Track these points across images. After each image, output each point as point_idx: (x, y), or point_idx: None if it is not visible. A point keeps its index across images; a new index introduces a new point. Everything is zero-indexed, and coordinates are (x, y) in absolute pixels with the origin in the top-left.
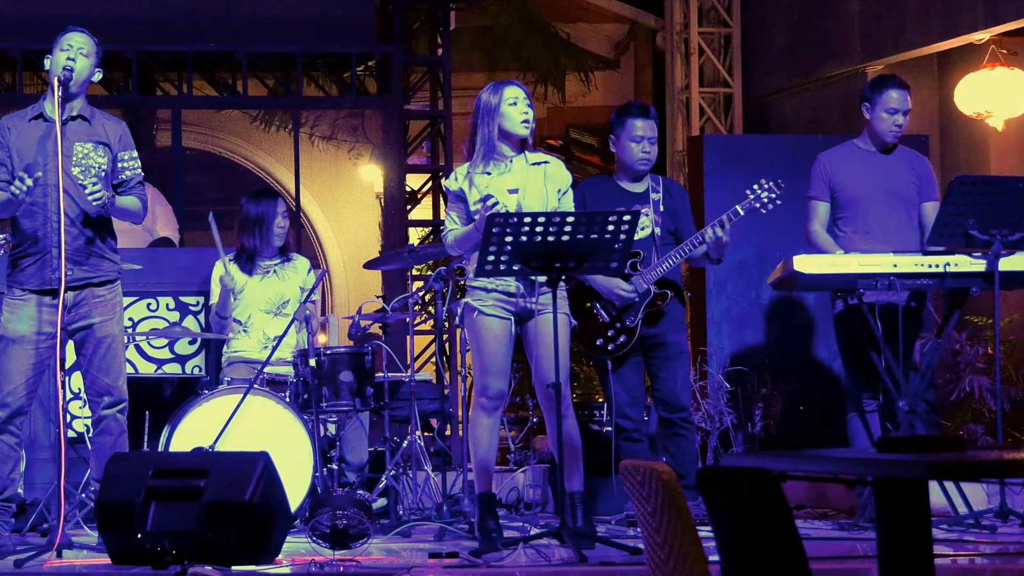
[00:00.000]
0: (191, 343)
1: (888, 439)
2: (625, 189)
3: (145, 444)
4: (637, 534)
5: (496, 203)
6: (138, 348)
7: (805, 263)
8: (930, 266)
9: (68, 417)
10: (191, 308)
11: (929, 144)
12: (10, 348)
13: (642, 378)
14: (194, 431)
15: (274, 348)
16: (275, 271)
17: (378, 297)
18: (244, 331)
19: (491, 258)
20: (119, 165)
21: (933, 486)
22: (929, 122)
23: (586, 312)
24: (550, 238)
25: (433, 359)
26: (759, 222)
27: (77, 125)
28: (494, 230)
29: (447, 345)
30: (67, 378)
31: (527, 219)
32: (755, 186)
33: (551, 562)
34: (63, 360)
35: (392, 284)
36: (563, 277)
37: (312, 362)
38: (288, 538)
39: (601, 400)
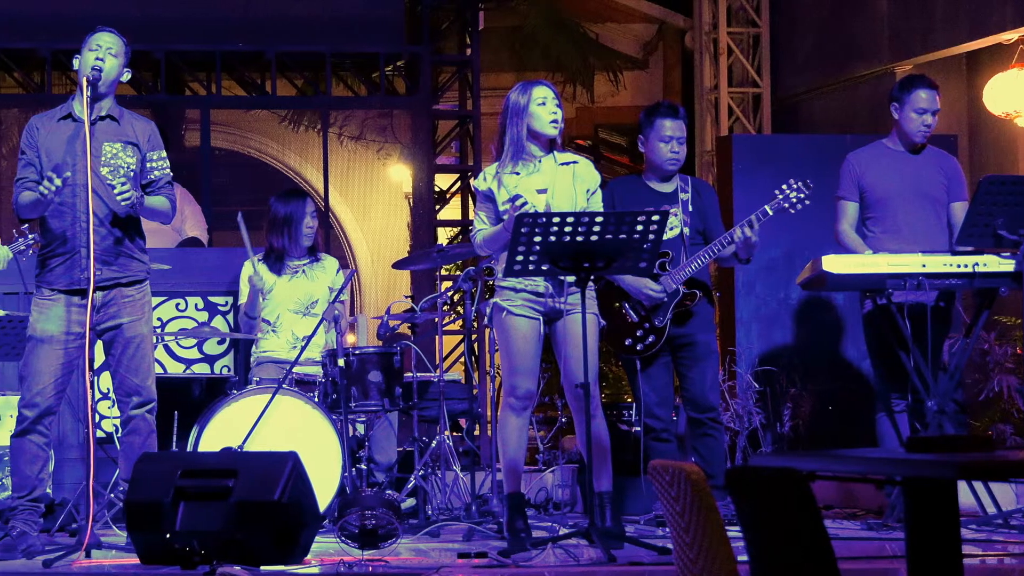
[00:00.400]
0: (220, 343)
1: (917, 439)
2: (654, 189)
3: (174, 444)
4: (666, 534)
5: (525, 203)
6: (167, 348)
7: (834, 263)
8: (959, 266)
9: (97, 417)
10: (220, 308)
11: (958, 144)
12: (39, 348)
13: (671, 378)
14: (223, 431)
15: (303, 348)
16: (304, 271)
17: (407, 297)
18: (273, 331)
19: (520, 258)
20: (148, 165)
21: (962, 486)
22: (958, 122)
23: (615, 312)
24: (579, 238)
25: (462, 359)
26: (788, 222)
27: (106, 125)
28: (523, 230)
29: (476, 345)
30: (96, 378)
31: (556, 219)
32: (784, 186)
33: (580, 562)
34: (92, 360)
35: (421, 284)
36: (592, 277)
37: (341, 362)
38: (317, 538)
39: (630, 400)
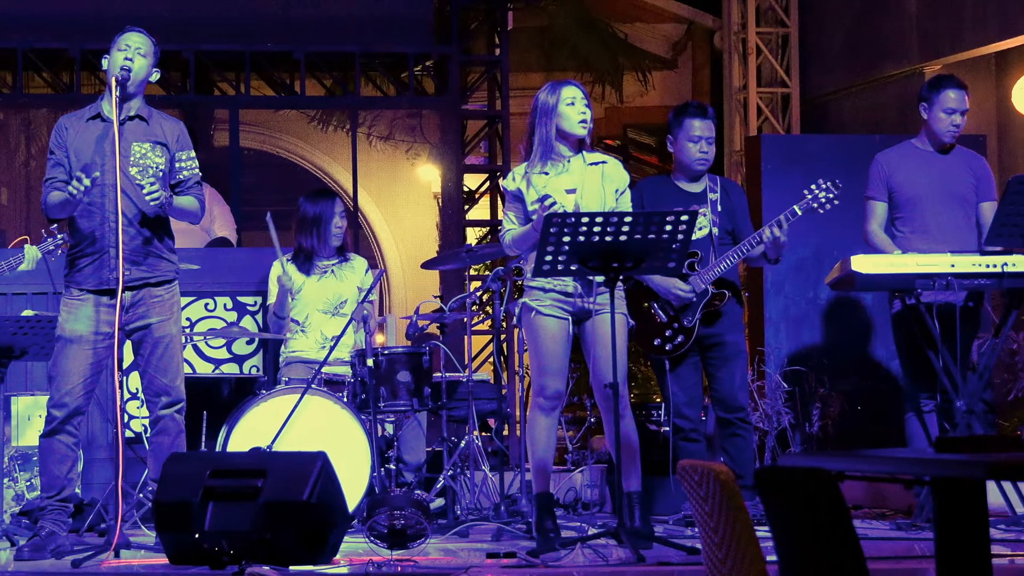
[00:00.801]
0: (249, 343)
1: (946, 439)
2: (683, 189)
3: (203, 444)
4: (695, 534)
5: (554, 203)
6: (196, 348)
7: (863, 263)
8: (988, 266)
9: (126, 417)
10: (249, 308)
11: (987, 144)
12: (68, 348)
13: (700, 378)
14: (252, 431)
15: (332, 348)
16: (333, 271)
17: (436, 297)
18: (302, 331)
19: (549, 258)
20: (177, 165)
21: (991, 486)
22: (987, 122)
23: (644, 312)
24: (608, 238)
25: (491, 359)
26: (817, 222)
27: (135, 125)
28: (552, 230)
29: (505, 345)
30: (125, 378)
31: (585, 219)
32: (813, 186)
33: (609, 562)
34: (121, 360)
35: (450, 284)
36: (621, 277)
37: (370, 362)
38: (346, 538)
39: (659, 400)
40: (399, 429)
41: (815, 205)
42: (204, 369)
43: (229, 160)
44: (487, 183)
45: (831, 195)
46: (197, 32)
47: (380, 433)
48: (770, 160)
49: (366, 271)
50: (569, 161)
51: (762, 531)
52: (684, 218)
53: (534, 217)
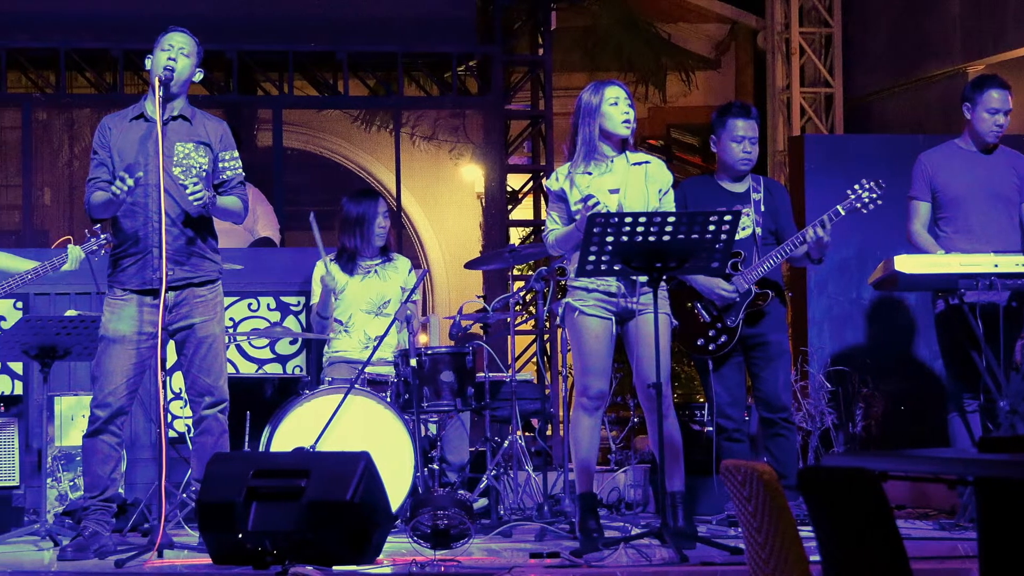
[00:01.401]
0: (292, 343)
1: (989, 439)
2: (726, 189)
3: (246, 444)
4: (738, 534)
5: (597, 203)
6: (239, 348)
7: (906, 263)
8: None
9: (169, 417)
10: (292, 308)
11: None
12: (111, 348)
13: (743, 378)
14: (295, 431)
15: (375, 348)
16: (376, 271)
17: (479, 297)
18: (345, 331)
19: (592, 258)
20: (220, 165)
21: None
22: None
23: (687, 312)
24: (651, 238)
25: (534, 359)
26: (860, 222)
27: (178, 125)
28: (595, 230)
29: (548, 345)
30: (168, 378)
31: (628, 219)
32: (856, 186)
33: (652, 562)
34: (164, 360)
35: (493, 284)
36: (664, 277)
37: (413, 362)
38: (389, 538)
39: (702, 400)
40: (442, 429)
41: (858, 205)
42: (247, 369)
43: (272, 160)
44: (530, 183)
45: (874, 195)
46: (240, 32)
47: (423, 433)
48: (813, 160)
49: (409, 271)
50: (612, 161)
51: (805, 531)
52: (727, 218)
53: (577, 217)
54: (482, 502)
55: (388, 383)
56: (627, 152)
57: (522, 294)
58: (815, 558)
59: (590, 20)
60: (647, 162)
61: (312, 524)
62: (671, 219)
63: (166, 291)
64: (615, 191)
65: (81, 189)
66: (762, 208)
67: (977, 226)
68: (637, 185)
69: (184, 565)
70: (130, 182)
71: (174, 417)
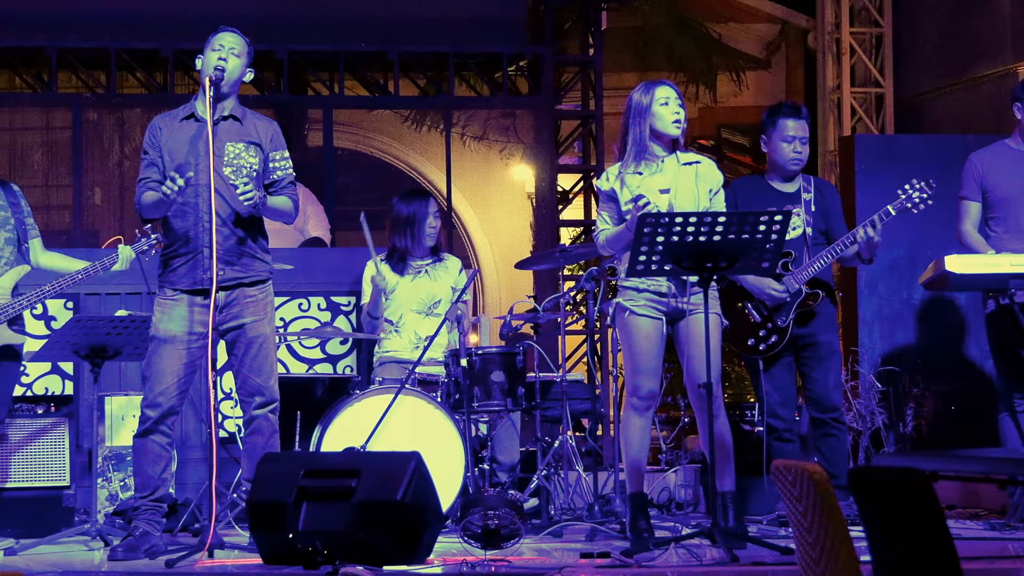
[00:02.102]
0: (342, 343)
1: None
2: (776, 189)
3: (296, 444)
4: (788, 534)
5: (648, 203)
6: (289, 348)
7: (956, 263)
8: None
9: (219, 417)
10: (342, 308)
11: None
12: (161, 348)
13: (793, 378)
14: (345, 431)
15: (425, 348)
16: (426, 271)
17: (529, 297)
18: (395, 331)
19: (643, 258)
20: (271, 165)
21: None
22: None
23: (738, 312)
24: (701, 238)
25: (584, 359)
26: (910, 222)
27: (228, 125)
28: (646, 230)
29: (598, 345)
30: (218, 378)
31: (679, 219)
32: (906, 186)
33: (702, 562)
34: (214, 360)
35: (543, 284)
36: (714, 277)
37: (463, 362)
38: (439, 538)
39: (753, 400)
40: (493, 429)
41: (909, 205)
42: (298, 369)
43: (323, 160)
44: (581, 183)
45: (925, 195)
46: (291, 32)
47: (474, 433)
48: (864, 160)
49: (460, 271)
50: (663, 161)
51: (856, 531)
52: (778, 218)
53: (628, 217)
54: (532, 502)
55: (439, 383)
56: (677, 152)
57: (573, 294)
58: (865, 558)
59: (641, 20)
60: (698, 162)
61: (362, 524)
62: (721, 219)
63: (217, 291)
64: (665, 191)
65: (131, 189)
66: (812, 208)
67: None
68: (687, 185)
69: (235, 565)
70: (180, 182)
71: (225, 417)
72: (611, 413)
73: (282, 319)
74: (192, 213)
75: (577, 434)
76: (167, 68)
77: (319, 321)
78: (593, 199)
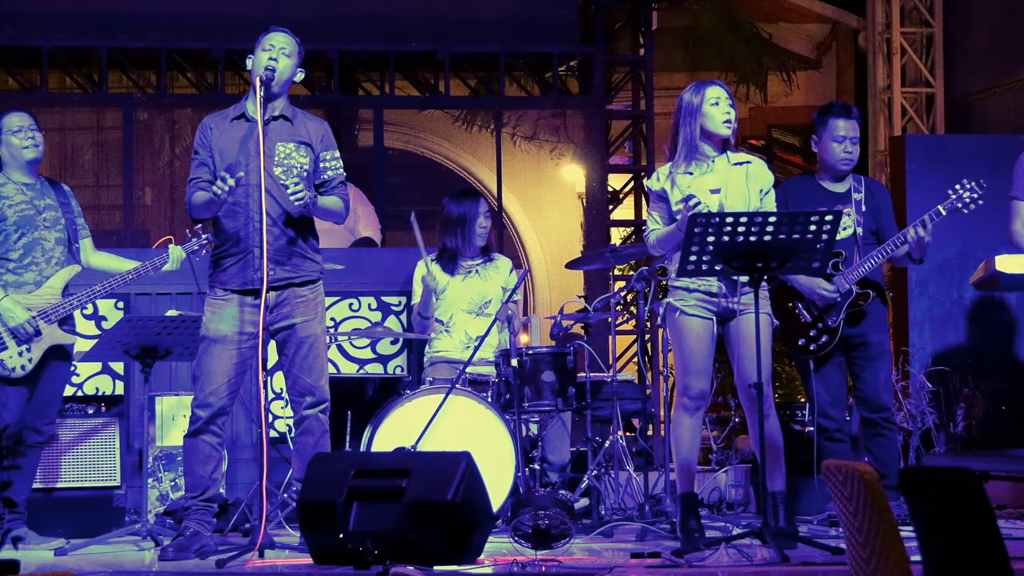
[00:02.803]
0: (393, 343)
1: None
2: (827, 189)
3: (347, 444)
4: (839, 534)
5: (698, 203)
6: (340, 348)
7: (1007, 263)
8: None
9: (270, 417)
10: (393, 308)
11: None
12: (212, 348)
13: (844, 378)
14: (396, 431)
15: (476, 348)
16: (477, 271)
17: (580, 297)
18: (446, 331)
19: (693, 258)
20: (321, 165)
21: None
22: None
23: (788, 312)
24: (752, 238)
25: (635, 359)
26: (961, 222)
27: (279, 125)
28: (696, 230)
29: (649, 345)
30: (269, 378)
31: (729, 219)
32: (957, 186)
33: (753, 562)
34: (265, 360)
35: (594, 284)
36: (765, 277)
37: (514, 362)
38: (490, 538)
39: (803, 400)
40: (543, 429)
41: (959, 205)
42: (348, 369)
43: (373, 160)
44: (631, 183)
45: (975, 195)
46: (342, 32)
47: (524, 433)
48: (914, 160)
49: (510, 271)
50: (713, 161)
51: (906, 531)
52: (828, 218)
53: (678, 217)
54: (583, 502)
55: (489, 383)
56: (728, 152)
57: (623, 294)
58: (916, 558)
59: (691, 20)
60: (748, 162)
61: (413, 524)
62: (772, 219)
63: (267, 291)
64: (716, 191)
65: (182, 189)
66: (863, 208)
67: None
68: (738, 185)
69: (285, 565)
70: (231, 182)
71: (275, 417)
72: (661, 413)
73: (333, 319)
74: (243, 213)
75: (627, 434)
76: (218, 68)
77: (370, 321)
78: (643, 199)
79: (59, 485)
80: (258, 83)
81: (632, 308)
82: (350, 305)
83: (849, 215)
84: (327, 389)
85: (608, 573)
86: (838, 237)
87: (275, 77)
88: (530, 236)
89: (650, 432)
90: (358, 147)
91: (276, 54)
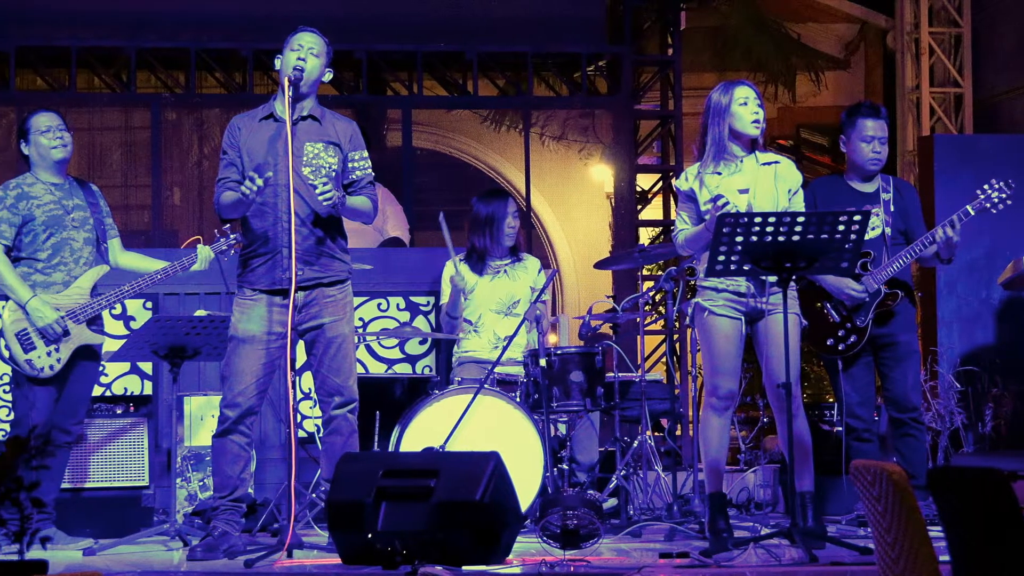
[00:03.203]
0: (422, 343)
1: None
2: (855, 189)
3: (375, 444)
4: (867, 534)
5: (727, 203)
6: (369, 348)
7: None
8: None
9: (298, 417)
10: (421, 308)
11: None
12: (240, 348)
13: (872, 378)
14: (424, 431)
15: (504, 348)
16: (506, 271)
17: (608, 297)
18: (474, 331)
19: (722, 258)
20: (349, 165)
21: None
22: None
23: (817, 312)
24: (780, 238)
25: (664, 359)
26: (989, 222)
27: (307, 125)
28: (724, 230)
29: (677, 345)
30: (297, 378)
31: (758, 219)
32: (985, 186)
33: (781, 562)
34: (293, 360)
35: (622, 284)
36: (793, 277)
37: (542, 362)
38: (519, 538)
39: (831, 400)
40: (572, 429)
41: (988, 205)
42: (377, 369)
43: (402, 160)
44: (660, 183)
45: (1004, 195)
46: (370, 32)
47: (553, 433)
48: (943, 160)
49: (539, 271)
50: (742, 161)
51: (935, 531)
52: (857, 218)
53: (707, 217)
54: (612, 502)
55: (517, 383)
56: (756, 152)
57: (652, 294)
58: (944, 558)
59: (719, 20)
60: (776, 162)
61: (441, 524)
62: (800, 219)
63: (295, 291)
64: (744, 191)
65: (210, 189)
66: (892, 208)
67: None
68: (766, 185)
69: (313, 565)
70: (259, 182)
71: (304, 417)
72: (690, 413)
73: (361, 319)
74: (271, 213)
75: (656, 434)
76: (246, 68)
77: (398, 321)
78: (672, 199)
79: (88, 485)
80: (286, 83)
81: (660, 308)
82: (378, 305)
83: (878, 215)
84: (355, 389)
85: (637, 573)
86: (867, 237)
87: (303, 77)
88: (558, 236)
89: (678, 432)
90: (386, 147)
91: (304, 54)
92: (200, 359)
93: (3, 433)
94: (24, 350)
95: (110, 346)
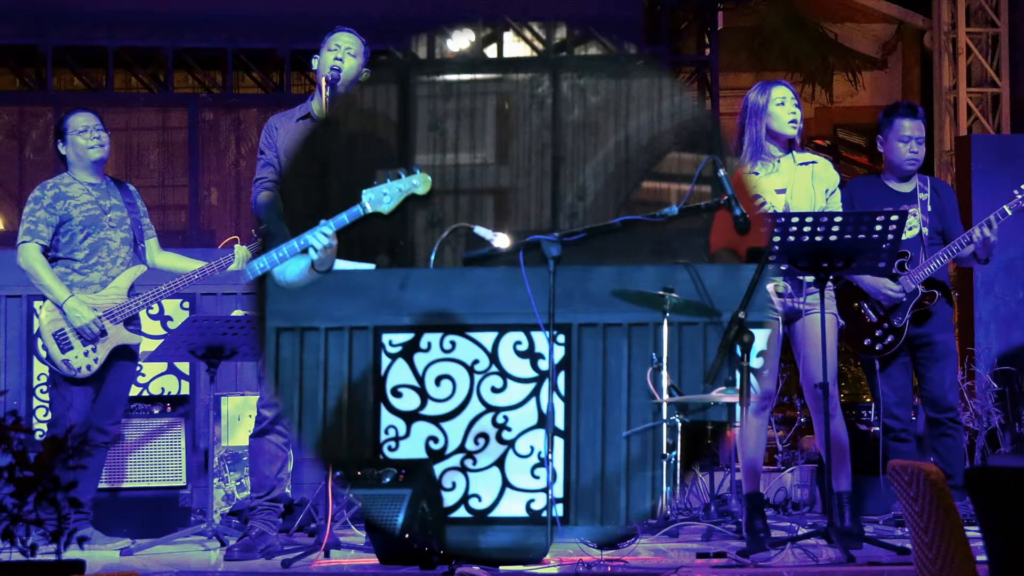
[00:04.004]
0: None
1: None
2: (893, 189)
3: None
4: (905, 534)
5: (764, 203)
6: None
7: None
8: None
9: None
10: None
11: None
12: None
13: (910, 378)
14: None
15: None
16: None
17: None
18: None
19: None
20: None
21: None
22: None
23: (854, 312)
24: (818, 238)
25: None
26: None
27: None
28: (762, 230)
29: None
30: None
31: (795, 219)
32: (1023, 186)
33: (818, 562)
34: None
35: None
36: (831, 277)
37: None
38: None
39: (869, 400)
40: None
41: None
42: None
43: None
44: None
45: None
46: (407, 32)
47: None
48: (980, 160)
49: None
50: (779, 161)
51: (972, 531)
52: (894, 218)
53: None
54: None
55: None
56: (794, 152)
57: None
58: (982, 558)
59: (757, 20)
60: (814, 162)
61: None
62: (838, 219)
63: None
64: (782, 191)
65: (248, 189)
66: (929, 208)
67: None
68: (804, 185)
69: (351, 565)
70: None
71: None
72: None
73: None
74: None
75: None
76: (283, 68)
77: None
78: None
79: (125, 485)
80: (323, 83)
81: None
82: None
83: (915, 215)
84: None
85: (674, 573)
86: (904, 237)
87: (340, 77)
88: None
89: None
90: None
91: (342, 54)
92: (237, 359)
93: (41, 433)
94: (61, 350)
95: (147, 346)
